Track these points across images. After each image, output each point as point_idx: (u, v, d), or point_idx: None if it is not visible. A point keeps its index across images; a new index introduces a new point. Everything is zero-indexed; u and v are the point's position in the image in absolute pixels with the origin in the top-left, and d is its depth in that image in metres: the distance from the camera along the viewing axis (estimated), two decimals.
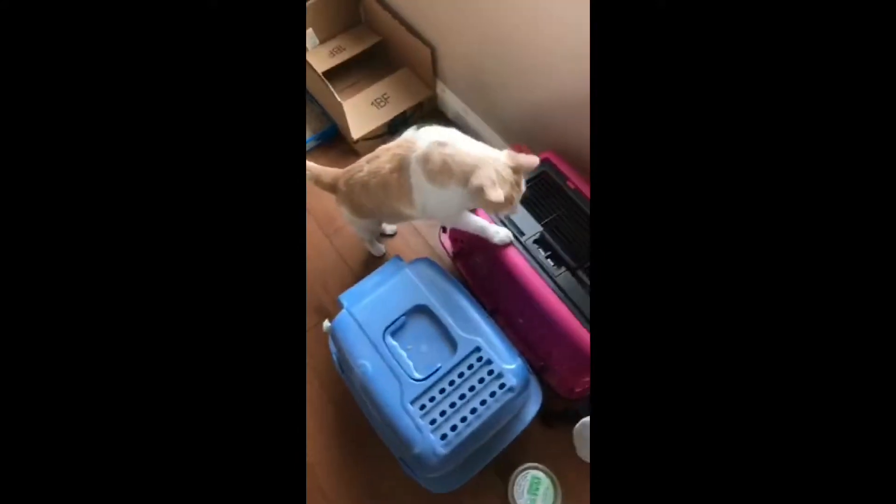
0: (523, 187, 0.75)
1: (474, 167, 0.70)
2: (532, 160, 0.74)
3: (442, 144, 0.72)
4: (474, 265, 1.00)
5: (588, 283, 0.81)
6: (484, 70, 1.06)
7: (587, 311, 0.79)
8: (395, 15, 1.23)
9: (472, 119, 1.22)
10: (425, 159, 0.74)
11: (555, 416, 0.91)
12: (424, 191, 0.76)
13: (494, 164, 0.71)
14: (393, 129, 1.26)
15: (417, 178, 0.76)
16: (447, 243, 1.05)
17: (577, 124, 0.92)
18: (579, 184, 0.89)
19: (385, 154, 0.80)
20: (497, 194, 0.68)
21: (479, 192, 0.69)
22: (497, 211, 0.76)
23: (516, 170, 0.72)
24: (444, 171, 0.72)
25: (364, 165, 0.83)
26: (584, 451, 0.69)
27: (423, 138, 0.76)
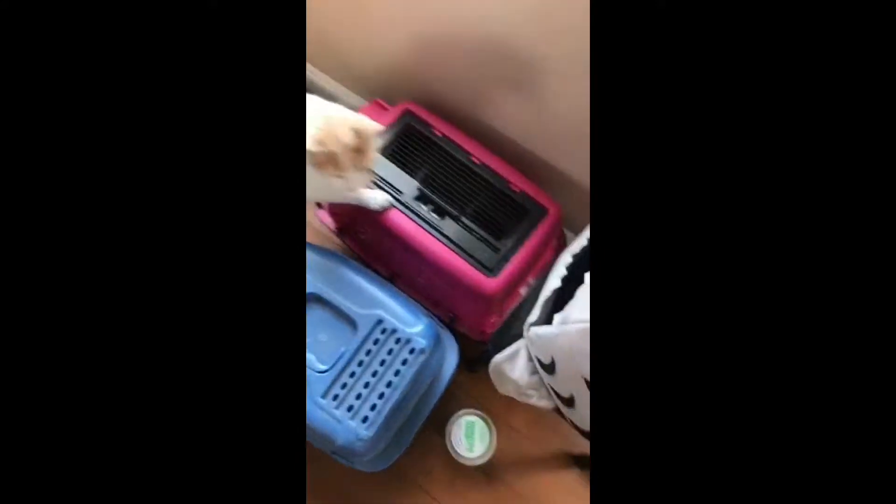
0: (372, 155, 0.69)
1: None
2: (375, 125, 0.68)
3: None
4: (361, 237, 0.95)
5: (473, 227, 0.82)
6: (325, 26, 0.96)
7: (478, 255, 0.80)
8: None
9: (321, 79, 1.12)
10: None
11: (474, 360, 0.94)
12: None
13: (330, 121, 0.64)
14: None
15: None
16: (327, 220, 0.98)
17: (436, 70, 0.88)
18: (445, 130, 0.87)
19: None
20: (312, 145, 0.61)
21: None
22: (334, 175, 0.68)
23: (359, 133, 0.66)
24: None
25: None
26: (501, 387, 0.72)
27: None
